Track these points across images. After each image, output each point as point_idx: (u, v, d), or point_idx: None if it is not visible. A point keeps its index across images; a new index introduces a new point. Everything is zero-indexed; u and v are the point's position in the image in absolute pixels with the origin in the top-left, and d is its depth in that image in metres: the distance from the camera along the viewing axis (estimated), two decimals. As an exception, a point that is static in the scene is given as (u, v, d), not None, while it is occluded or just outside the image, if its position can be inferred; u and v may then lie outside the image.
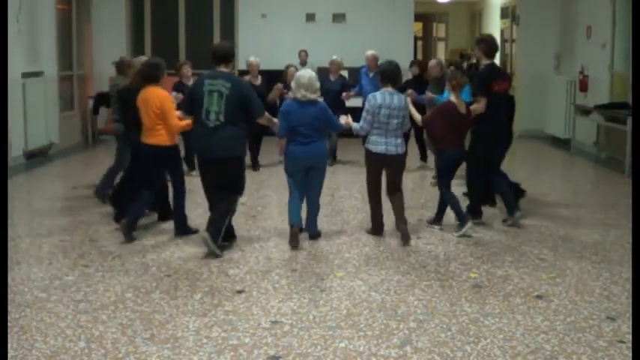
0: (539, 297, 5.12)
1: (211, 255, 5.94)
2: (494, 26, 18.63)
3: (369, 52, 10.84)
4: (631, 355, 4.05)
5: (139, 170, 6.69)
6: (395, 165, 6.54)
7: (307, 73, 6.24)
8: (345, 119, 6.59)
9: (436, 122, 6.75)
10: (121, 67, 7.65)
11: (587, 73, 12.05)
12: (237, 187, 6.23)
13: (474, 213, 7.08)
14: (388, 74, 6.43)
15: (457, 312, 4.82)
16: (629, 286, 5.29)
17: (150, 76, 6.50)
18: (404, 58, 14.12)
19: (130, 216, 6.50)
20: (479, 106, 6.84)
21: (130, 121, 6.75)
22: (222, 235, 6.05)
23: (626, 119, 9.67)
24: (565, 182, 9.01)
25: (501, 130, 7.07)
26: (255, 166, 10.36)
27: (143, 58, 7.38)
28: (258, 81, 10.31)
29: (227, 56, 6.11)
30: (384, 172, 6.60)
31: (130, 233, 6.45)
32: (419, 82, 10.05)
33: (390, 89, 6.40)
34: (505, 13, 17.17)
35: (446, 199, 6.81)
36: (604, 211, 7.78)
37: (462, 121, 6.72)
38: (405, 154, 6.67)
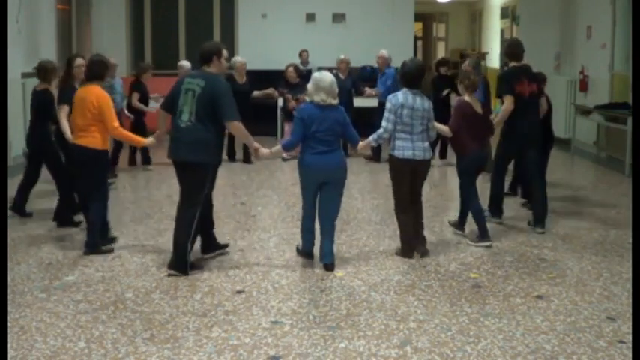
0: (539, 297, 5.12)
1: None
2: (494, 26, 18.65)
3: (380, 52, 11.08)
4: (631, 355, 4.05)
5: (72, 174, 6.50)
6: (422, 171, 6.00)
7: (328, 77, 5.65)
8: (362, 144, 6.03)
9: (460, 126, 6.35)
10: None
11: (587, 73, 12.05)
12: (191, 198, 5.59)
13: (494, 212, 7.14)
14: (407, 74, 5.95)
15: (457, 312, 4.82)
16: (629, 286, 5.29)
17: (94, 73, 6.11)
18: (404, 58, 14.17)
19: (91, 228, 6.16)
20: (506, 104, 6.87)
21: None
22: (189, 257, 5.62)
23: (626, 119, 9.68)
24: (565, 182, 9.00)
25: (526, 133, 6.91)
26: (247, 159, 10.60)
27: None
28: (243, 79, 10.57)
29: (207, 55, 5.67)
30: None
31: (98, 246, 6.13)
32: (445, 82, 10.13)
33: (412, 89, 5.92)
34: (505, 13, 17.18)
35: (471, 208, 6.47)
36: (604, 211, 7.77)
37: (479, 120, 6.44)
38: (430, 159, 6.12)
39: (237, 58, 10.93)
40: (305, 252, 5.91)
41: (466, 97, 6.46)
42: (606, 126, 11.06)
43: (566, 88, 12.65)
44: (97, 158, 6.08)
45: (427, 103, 5.95)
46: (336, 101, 5.68)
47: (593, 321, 4.68)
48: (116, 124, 6.02)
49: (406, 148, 5.86)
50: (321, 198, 5.71)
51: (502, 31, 17.76)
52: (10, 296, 4.98)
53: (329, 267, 5.67)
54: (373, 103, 13.36)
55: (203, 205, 5.68)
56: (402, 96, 5.87)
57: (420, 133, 5.91)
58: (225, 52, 5.81)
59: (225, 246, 6.17)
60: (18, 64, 10.07)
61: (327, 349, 4.23)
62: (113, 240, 6.39)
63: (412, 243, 6.02)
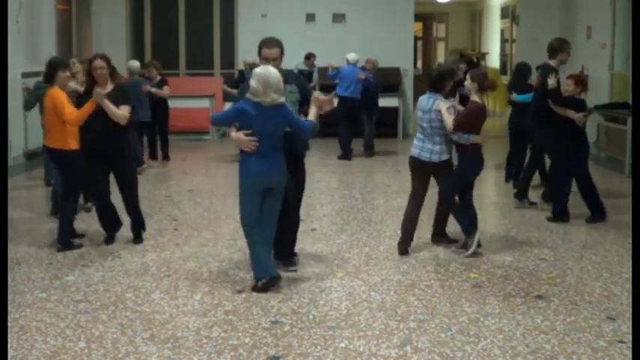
0: (539, 297, 5.12)
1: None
2: (494, 26, 18.65)
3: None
4: (631, 355, 4.05)
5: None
6: (434, 173, 6.05)
7: (276, 72, 5.04)
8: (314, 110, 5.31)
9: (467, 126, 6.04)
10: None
11: (587, 73, 12.04)
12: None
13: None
14: (430, 79, 6.13)
15: (457, 312, 4.82)
16: (629, 286, 5.29)
17: (46, 76, 6.26)
18: (404, 58, 14.22)
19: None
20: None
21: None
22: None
23: (626, 119, 9.67)
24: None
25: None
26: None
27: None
28: None
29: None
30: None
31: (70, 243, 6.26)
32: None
33: (430, 92, 5.98)
34: (505, 13, 17.17)
35: (454, 210, 6.20)
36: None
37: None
38: (445, 162, 6.01)
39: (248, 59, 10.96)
40: (265, 280, 5.16)
41: (476, 98, 6.12)
42: (606, 126, 11.06)
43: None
44: (65, 157, 6.16)
45: (430, 104, 5.91)
46: (283, 99, 5.11)
47: (593, 321, 4.67)
48: (69, 109, 5.97)
49: (415, 147, 6.08)
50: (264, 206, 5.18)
51: (502, 31, 17.75)
52: (10, 296, 4.98)
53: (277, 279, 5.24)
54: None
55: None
56: (420, 99, 6.09)
57: (430, 135, 5.96)
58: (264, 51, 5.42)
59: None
60: (18, 64, 10.08)
61: (327, 349, 4.23)
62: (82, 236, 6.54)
63: (405, 236, 6.15)
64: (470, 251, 6.02)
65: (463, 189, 6.16)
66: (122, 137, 6.21)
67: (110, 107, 6.00)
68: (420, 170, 6.08)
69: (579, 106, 7.11)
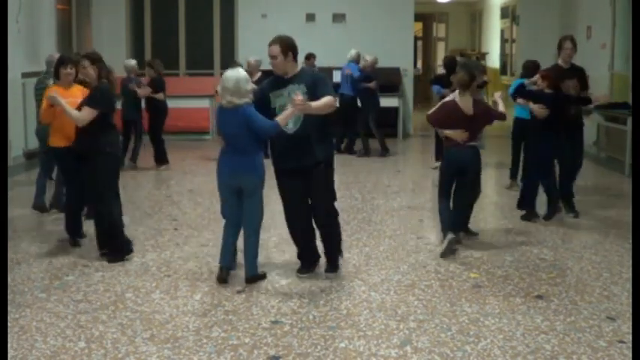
0: (539, 297, 5.12)
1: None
2: (494, 26, 18.65)
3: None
4: (631, 355, 4.05)
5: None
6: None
7: (234, 75, 5.15)
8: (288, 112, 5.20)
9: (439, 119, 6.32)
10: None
11: (587, 73, 12.02)
12: (326, 198, 5.56)
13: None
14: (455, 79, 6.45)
15: (457, 312, 4.82)
16: (629, 286, 5.29)
17: (54, 73, 6.42)
18: (404, 58, 14.22)
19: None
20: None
21: None
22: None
23: (626, 119, 9.67)
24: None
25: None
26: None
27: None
28: (255, 78, 10.53)
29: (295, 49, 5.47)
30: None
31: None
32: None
33: (456, 92, 6.22)
34: (505, 13, 17.18)
35: (440, 210, 6.32)
36: (604, 211, 7.77)
37: (465, 121, 6.18)
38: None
39: (249, 59, 10.98)
40: (220, 265, 5.40)
41: (452, 96, 6.24)
42: (606, 126, 11.05)
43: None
44: (58, 156, 6.33)
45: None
46: (242, 101, 5.13)
47: (593, 321, 4.67)
48: (68, 107, 5.85)
49: None
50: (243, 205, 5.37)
51: (502, 31, 17.75)
52: (10, 296, 4.98)
53: (251, 280, 5.35)
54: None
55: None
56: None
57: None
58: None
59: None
60: (18, 64, 10.08)
61: (327, 349, 4.23)
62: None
63: (444, 229, 6.22)
64: (440, 249, 6.08)
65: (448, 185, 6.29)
66: (93, 138, 5.88)
67: (64, 107, 5.84)
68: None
69: (547, 100, 7.11)
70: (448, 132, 6.21)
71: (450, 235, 6.04)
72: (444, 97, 10.11)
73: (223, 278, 5.35)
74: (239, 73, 5.19)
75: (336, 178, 5.81)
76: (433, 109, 6.39)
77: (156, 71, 10.38)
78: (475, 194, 6.59)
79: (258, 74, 10.76)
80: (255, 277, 5.37)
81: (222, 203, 5.48)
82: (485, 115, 6.32)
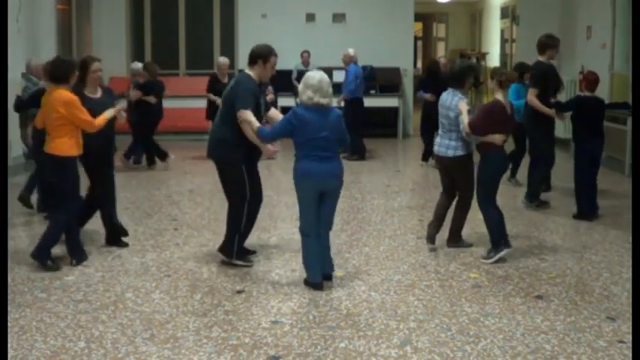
0: (539, 297, 5.12)
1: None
2: (494, 26, 18.65)
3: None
4: (631, 355, 4.05)
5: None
6: (447, 166, 6.13)
7: (318, 74, 5.19)
8: None
9: (484, 125, 5.90)
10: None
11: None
12: (232, 194, 5.69)
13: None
14: (451, 75, 6.25)
15: (457, 312, 4.82)
16: (629, 286, 5.29)
17: (56, 76, 5.73)
18: (404, 58, 14.22)
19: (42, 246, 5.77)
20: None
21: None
22: (235, 248, 5.73)
23: (626, 119, 9.67)
24: (565, 182, 8.99)
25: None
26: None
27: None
28: (225, 79, 10.74)
29: (253, 57, 5.66)
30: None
31: (45, 261, 5.71)
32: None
33: (452, 89, 6.05)
34: (505, 13, 17.17)
35: (489, 217, 5.98)
36: (604, 211, 7.76)
37: (508, 122, 6.04)
38: (461, 157, 6.00)
39: (220, 59, 11.14)
40: (316, 283, 5.27)
41: (499, 96, 5.96)
42: (606, 126, 11.02)
43: (567, 88, 12.63)
44: (62, 166, 5.69)
45: (448, 100, 6.01)
46: (325, 101, 5.15)
47: (593, 321, 4.68)
48: (86, 116, 5.66)
49: (436, 143, 6.22)
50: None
51: (502, 31, 17.74)
52: (10, 296, 4.98)
53: (328, 277, 5.37)
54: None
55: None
56: (442, 95, 6.17)
57: (448, 131, 6.04)
58: (273, 59, 5.70)
59: (252, 252, 6.03)
60: (18, 64, 10.07)
61: (327, 349, 4.23)
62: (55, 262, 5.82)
63: (431, 228, 6.26)
64: (489, 261, 5.87)
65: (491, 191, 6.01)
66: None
67: (110, 115, 5.93)
68: (441, 165, 6.26)
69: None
70: (495, 137, 5.84)
71: (507, 249, 5.92)
72: (427, 101, 10.26)
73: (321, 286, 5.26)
74: (319, 72, 5.23)
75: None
76: (476, 116, 5.90)
77: (151, 74, 10.34)
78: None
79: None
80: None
81: (308, 216, 5.19)
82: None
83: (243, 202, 5.66)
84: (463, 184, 6.12)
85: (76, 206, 5.86)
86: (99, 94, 6.16)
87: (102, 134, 5.92)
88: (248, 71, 5.67)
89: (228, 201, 5.77)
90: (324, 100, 5.12)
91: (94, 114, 5.80)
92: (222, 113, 5.65)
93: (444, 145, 6.05)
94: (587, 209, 7.30)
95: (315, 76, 5.15)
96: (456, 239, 6.31)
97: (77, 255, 5.84)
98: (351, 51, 11.46)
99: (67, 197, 5.72)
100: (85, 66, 6.07)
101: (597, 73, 7.74)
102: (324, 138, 5.10)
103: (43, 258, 5.69)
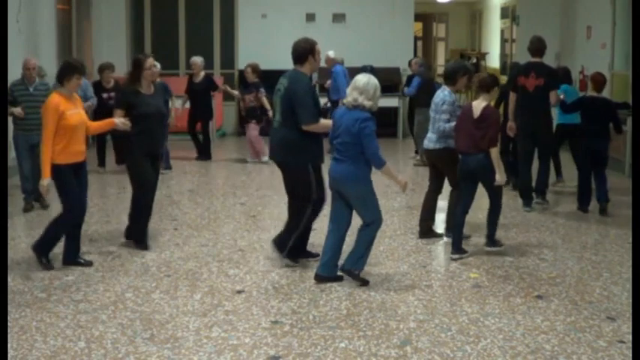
0: (539, 297, 5.12)
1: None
2: (494, 26, 18.64)
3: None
4: (631, 355, 4.05)
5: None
6: (433, 159, 6.50)
7: (366, 77, 5.27)
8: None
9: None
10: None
11: (587, 73, 12.03)
12: (297, 195, 5.67)
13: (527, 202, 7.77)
14: (444, 73, 6.63)
15: (457, 312, 4.82)
16: (629, 286, 5.29)
17: (57, 77, 5.62)
18: (404, 58, 14.21)
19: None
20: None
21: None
22: (290, 244, 5.71)
23: (626, 119, 9.67)
24: (564, 182, 9.00)
25: (523, 123, 7.70)
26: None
27: None
28: (199, 79, 10.88)
29: (302, 54, 5.66)
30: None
31: (41, 257, 5.68)
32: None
33: (448, 87, 6.38)
34: (505, 13, 17.17)
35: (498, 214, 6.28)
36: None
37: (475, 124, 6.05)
38: (442, 150, 6.28)
39: (193, 58, 11.15)
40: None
41: (478, 100, 6.13)
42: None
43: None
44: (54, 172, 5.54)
45: (439, 97, 6.36)
46: (368, 103, 5.21)
47: (593, 321, 4.68)
48: (47, 136, 5.38)
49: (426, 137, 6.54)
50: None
51: (502, 31, 17.74)
52: (10, 296, 4.98)
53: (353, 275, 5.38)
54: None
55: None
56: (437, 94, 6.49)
57: (433, 124, 6.40)
58: (318, 47, 5.77)
59: (315, 255, 5.84)
60: (18, 64, 10.06)
61: (327, 349, 4.23)
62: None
63: (422, 223, 6.58)
64: (490, 248, 6.20)
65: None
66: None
67: None
68: (428, 158, 6.64)
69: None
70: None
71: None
72: (411, 97, 10.99)
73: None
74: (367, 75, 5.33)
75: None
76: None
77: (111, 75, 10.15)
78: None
79: (202, 74, 10.91)
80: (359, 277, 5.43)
81: (378, 207, 5.48)
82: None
83: (308, 204, 5.64)
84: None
85: (78, 210, 5.72)
86: (152, 90, 6.14)
87: (150, 136, 5.95)
88: (298, 69, 5.67)
89: (290, 201, 5.75)
90: (367, 103, 5.18)
91: (148, 111, 5.80)
92: (284, 115, 5.56)
93: (429, 138, 6.42)
94: (585, 200, 7.70)
95: (362, 79, 5.23)
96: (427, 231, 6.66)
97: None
98: (331, 53, 11.48)
99: (67, 202, 5.62)
100: (139, 64, 6.02)
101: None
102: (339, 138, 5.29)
103: (39, 252, 5.68)
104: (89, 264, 5.75)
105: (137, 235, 6.24)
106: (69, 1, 12.76)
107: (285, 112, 5.55)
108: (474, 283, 5.42)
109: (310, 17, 14.20)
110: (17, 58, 9.99)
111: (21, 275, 5.54)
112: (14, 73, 9.91)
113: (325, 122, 5.58)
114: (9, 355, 4.07)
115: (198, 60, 11.03)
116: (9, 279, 5.34)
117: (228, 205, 8.00)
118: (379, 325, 4.59)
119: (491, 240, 6.20)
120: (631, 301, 4.84)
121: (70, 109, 5.52)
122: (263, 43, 13.70)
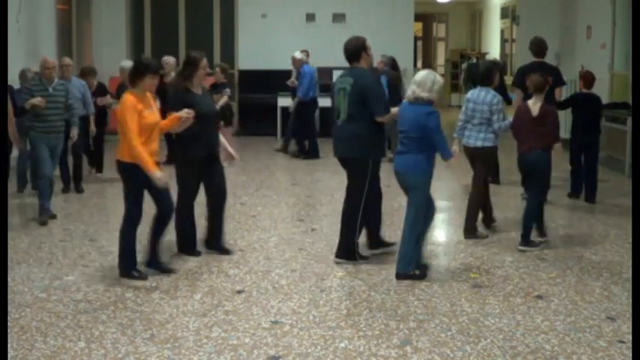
0: (539, 297, 5.12)
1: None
2: (494, 26, 18.66)
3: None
4: (631, 355, 4.05)
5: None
6: (475, 157, 6.65)
7: (425, 72, 5.49)
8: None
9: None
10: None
11: (587, 74, 12.04)
12: (351, 194, 5.81)
13: None
14: (480, 74, 6.81)
15: (457, 312, 4.82)
16: (629, 286, 5.29)
17: (129, 78, 5.54)
18: (404, 58, 14.21)
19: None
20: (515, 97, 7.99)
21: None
22: (357, 241, 5.87)
23: (626, 119, 9.67)
24: (564, 182, 8.99)
25: None
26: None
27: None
28: (168, 78, 10.47)
29: (355, 52, 5.75)
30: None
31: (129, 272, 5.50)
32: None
33: (484, 87, 6.58)
34: (505, 13, 17.19)
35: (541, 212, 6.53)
36: (604, 211, 7.77)
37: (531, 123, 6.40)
38: (492, 148, 6.63)
39: (165, 58, 10.80)
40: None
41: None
42: (606, 126, 11.04)
43: (567, 88, 12.63)
44: (122, 170, 5.44)
45: (487, 98, 6.50)
46: (426, 95, 5.32)
47: (593, 321, 4.68)
48: (135, 141, 5.22)
49: (464, 135, 6.70)
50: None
51: (502, 31, 17.76)
52: (10, 296, 4.98)
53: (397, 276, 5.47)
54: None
55: (370, 199, 5.83)
56: (470, 93, 6.71)
57: (478, 124, 6.54)
58: (368, 43, 5.86)
59: (391, 244, 6.09)
60: (18, 64, 10.07)
61: (327, 349, 4.23)
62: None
63: (469, 223, 6.64)
64: (525, 247, 6.25)
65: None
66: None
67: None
68: (470, 156, 6.73)
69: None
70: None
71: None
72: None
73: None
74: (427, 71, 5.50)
75: (337, 178, 5.82)
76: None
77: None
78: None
79: (172, 74, 10.76)
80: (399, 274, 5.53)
81: (431, 200, 5.63)
82: None
83: (359, 207, 5.79)
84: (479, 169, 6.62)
85: (135, 213, 5.59)
86: (200, 90, 6.05)
87: (207, 136, 5.91)
88: (357, 65, 5.78)
89: (344, 206, 5.87)
90: (424, 94, 5.31)
91: (200, 110, 5.66)
92: (352, 111, 5.68)
93: (473, 137, 6.58)
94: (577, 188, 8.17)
95: (421, 73, 5.45)
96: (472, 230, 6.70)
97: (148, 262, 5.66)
98: (297, 54, 11.40)
99: (128, 202, 5.52)
100: (196, 62, 5.87)
101: (597, 73, 7.93)
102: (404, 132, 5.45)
103: (125, 269, 5.48)
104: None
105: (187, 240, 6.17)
106: (69, 1, 12.77)
107: (353, 108, 5.67)
108: (474, 283, 5.42)
109: (310, 17, 14.20)
110: (17, 58, 10.00)
111: (21, 275, 5.54)
112: (14, 73, 9.92)
113: (394, 111, 5.71)
114: (9, 355, 4.07)
115: (169, 59, 10.71)
116: (9, 279, 5.34)
117: (228, 205, 7.96)
118: (379, 325, 4.59)
119: (525, 240, 6.26)
120: (631, 301, 4.84)
121: (147, 109, 5.40)
122: (263, 43, 13.71)
